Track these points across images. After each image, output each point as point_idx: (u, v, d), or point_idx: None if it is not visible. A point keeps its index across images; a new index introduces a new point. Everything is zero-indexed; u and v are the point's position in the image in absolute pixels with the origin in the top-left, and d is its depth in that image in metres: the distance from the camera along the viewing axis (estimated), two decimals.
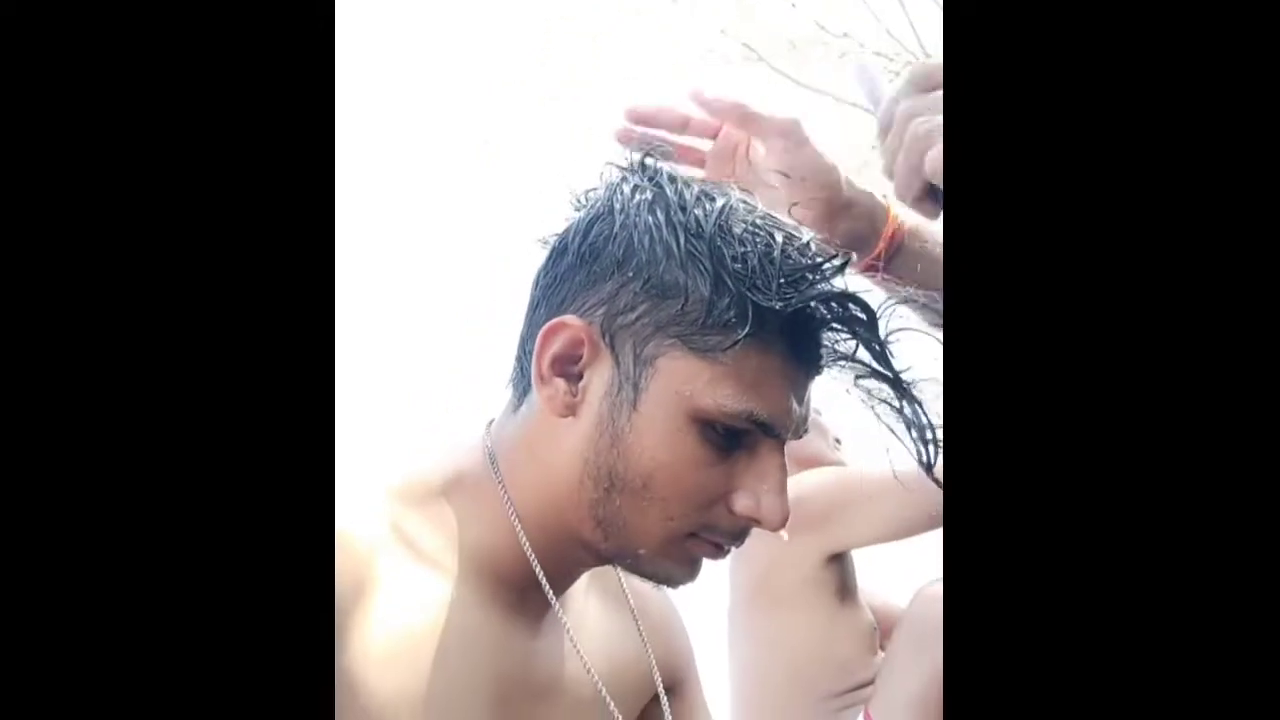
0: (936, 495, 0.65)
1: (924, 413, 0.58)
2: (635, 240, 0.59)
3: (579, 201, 0.64)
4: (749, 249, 0.57)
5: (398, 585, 0.58)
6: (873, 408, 0.59)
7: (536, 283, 0.63)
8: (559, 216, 0.65)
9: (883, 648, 1.24)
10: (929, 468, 0.58)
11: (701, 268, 0.57)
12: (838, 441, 1.36)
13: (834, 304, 0.58)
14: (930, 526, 1.14)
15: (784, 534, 0.60)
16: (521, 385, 0.64)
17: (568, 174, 0.69)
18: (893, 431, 0.59)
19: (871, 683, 1.19)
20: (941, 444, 0.58)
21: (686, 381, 0.57)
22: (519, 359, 0.65)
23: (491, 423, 0.67)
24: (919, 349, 0.59)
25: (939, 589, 1.08)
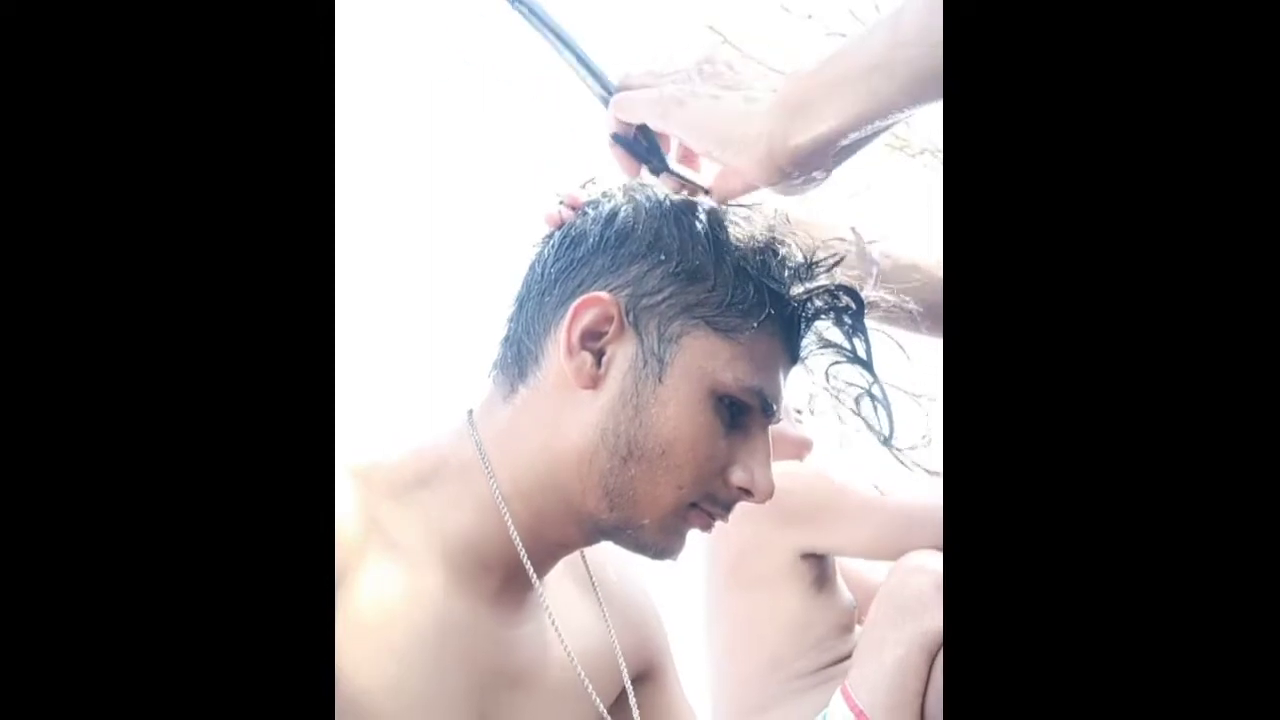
0: (912, 528, 0.69)
1: (885, 396, 0.65)
2: (666, 228, 0.63)
3: (600, 198, 0.67)
4: (760, 243, 0.64)
5: (376, 576, 0.59)
6: (837, 395, 0.66)
7: (543, 270, 0.66)
8: (545, 209, 0.68)
9: (860, 623, 1.25)
10: (888, 440, 0.66)
11: (725, 256, 0.63)
12: (799, 413, 1.38)
13: (831, 294, 0.64)
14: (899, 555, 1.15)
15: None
16: (514, 371, 0.66)
17: (551, 163, 0.70)
18: (856, 412, 0.66)
19: (847, 658, 1.20)
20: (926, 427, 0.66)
21: (709, 358, 0.62)
22: (514, 345, 0.67)
23: (471, 412, 0.68)
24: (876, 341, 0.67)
25: (916, 560, 1.09)
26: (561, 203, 0.68)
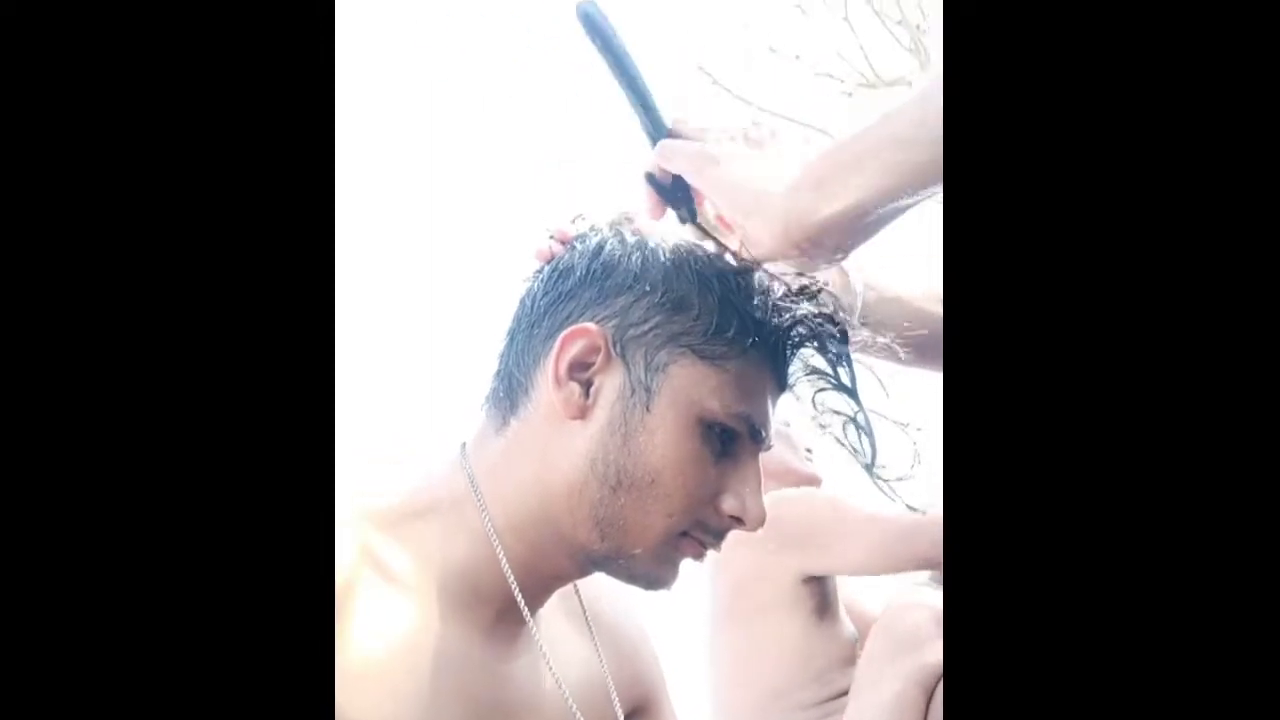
0: (912, 539, 0.69)
1: (869, 424, 0.66)
2: (649, 259, 0.64)
3: (588, 232, 0.68)
4: (742, 275, 0.64)
5: (372, 609, 0.59)
6: (824, 424, 0.66)
7: (533, 303, 0.67)
8: (536, 245, 0.69)
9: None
10: (870, 467, 0.66)
11: (709, 286, 0.63)
12: (809, 452, 1.38)
13: (813, 322, 0.65)
14: (911, 569, 1.15)
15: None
16: (506, 403, 0.66)
17: (535, 202, 0.71)
18: (840, 441, 0.66)
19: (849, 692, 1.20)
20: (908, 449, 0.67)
21: (695, 386, 0.63)
22: (505, 378, 0.67)
23: (465, 445, 0.68)
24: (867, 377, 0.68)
25: (911, 596, 1.09)
26: (551, 237, 0.68)
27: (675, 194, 0.67)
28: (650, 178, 0.67)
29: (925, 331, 0.70)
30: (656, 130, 0.67)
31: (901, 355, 0.68)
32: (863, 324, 0.70)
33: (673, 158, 0.65)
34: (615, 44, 0.66)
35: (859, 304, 0.71)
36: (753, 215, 0.60)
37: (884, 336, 0.68)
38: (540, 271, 0.68)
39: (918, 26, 3.68)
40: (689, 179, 0.65)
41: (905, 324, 0.70)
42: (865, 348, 0.68)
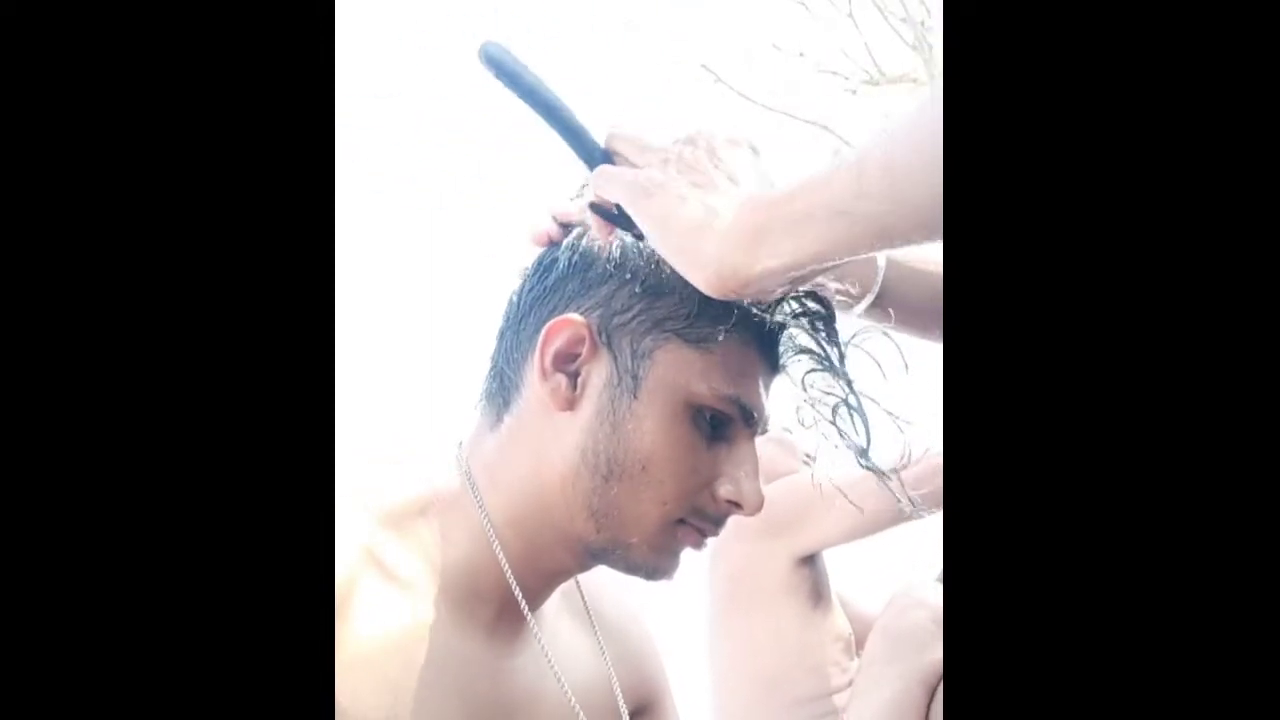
0: (895, 492, 0.68)
1: (861, 406, 0.65)
2: (628, 247, 0.64)
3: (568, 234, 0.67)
4: None
5: (373, 608, 0.59)
6: (813, 405, 0.65)
7: (520, 299, 0.67)
8: (534, 231, 0.69)
9: (859, 654, 1.26)
10: (863, 452, 0.65)
11: None
12: (808, 456, 1.39)
13: (798, 300, 0.64)
14: (894, 523, 1.17)
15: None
16: (499, 400, 0.66)
17: (530, 201, 0.70)
18: (832, 422, 0.65)
19: (847, 688, 1.20)
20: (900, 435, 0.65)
21: (682, 370, 0.62)
22: (498, 375, 0.67)
23: (461, 443, 0.68)
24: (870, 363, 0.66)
25: (912, 596, 1.09)
26: (554, 219, 0.68)
27: (620, 219, 0.64)
28: (594, 207, 0.65)
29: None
30: (590, 156, 0.65)
31: (927, 323, 0.66)
32: (877, 302, 0.68)
33: (608, 185, 0.63)
34: (525, 79, 0.63)
35: (879, 278, 0.69)
36: (683, 258, 0.58)
37: (913, 326, 0.66)
38: (529, 268, 0.68)
39: (922, 23, 3.69)
40: (626, 208, 0.62)
41: (932, 300, 0.66)
42: (889, 320, 0.66)
